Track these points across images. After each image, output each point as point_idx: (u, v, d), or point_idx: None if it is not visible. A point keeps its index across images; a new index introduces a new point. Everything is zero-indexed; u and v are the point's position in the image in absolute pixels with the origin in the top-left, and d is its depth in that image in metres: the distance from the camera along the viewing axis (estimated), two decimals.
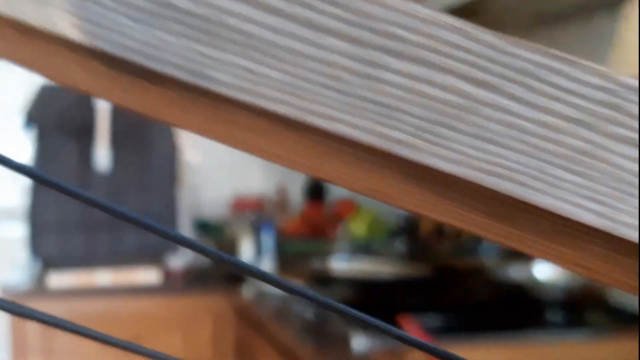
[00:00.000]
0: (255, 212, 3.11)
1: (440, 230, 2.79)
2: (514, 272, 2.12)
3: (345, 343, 1.79)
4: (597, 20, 2.07)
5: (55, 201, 2.80)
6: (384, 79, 0.31)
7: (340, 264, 2.47)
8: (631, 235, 0.31)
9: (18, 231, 3.24)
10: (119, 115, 2.85)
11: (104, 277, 2.80)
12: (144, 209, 2.82)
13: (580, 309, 1.82)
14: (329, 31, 0.30)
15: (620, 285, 0.33)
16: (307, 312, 2.11)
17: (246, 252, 2.96)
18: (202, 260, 3.05)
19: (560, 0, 1.96)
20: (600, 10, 2.03)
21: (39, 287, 2.80)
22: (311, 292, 0.34)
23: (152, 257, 2.85)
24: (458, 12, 1.99)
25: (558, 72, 0.31)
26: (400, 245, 2.87)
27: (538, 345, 1.61)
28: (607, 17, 2.03)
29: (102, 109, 2.84)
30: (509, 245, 0.33)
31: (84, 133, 2.84)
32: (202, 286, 2.83)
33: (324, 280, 2.27)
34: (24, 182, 3.21)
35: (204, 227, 3.20)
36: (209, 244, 3.10)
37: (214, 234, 3.17)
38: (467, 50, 0.31)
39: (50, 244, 2.80)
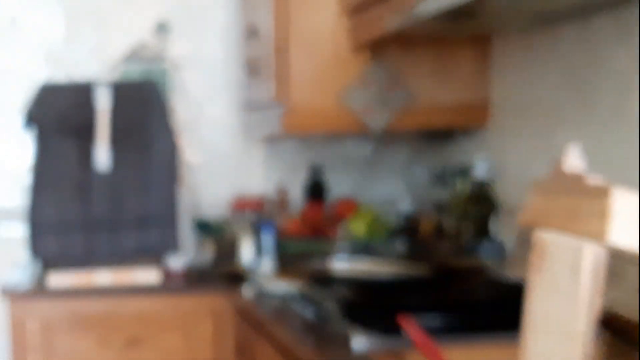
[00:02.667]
0: (255, 212, 3.12)
1: (440, 230, 2.80)
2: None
3: (344, 343, 1.80)
4: (597, 20, 2.08)
5: (55, 201, 2.81)
6: None
7: (340, 264, 2.48)
8: None
9: (18, 231, 3.25)
10: (119, 115, 2.86)
11: (104, 277, 2.81)
12: (144, 208, 2.83)
13: None
14: None
15: None
16: (307, 312, 2.12)
17: (246, 252, 2.97)
18: (202, 261, 3.06)
19: (559, 1, 1.97)
20: (599, 11, 2.05)
21: (39, 287, 2.80)
22: None
23: (151, 257, 2.86)
24: (456, 12, 2.00)
25: None
26: (400, 245, 2.88)
27: None
28: (606, 17, 2.04)
29: (102, 108, 2.85)
30: None
31: (84, 133, 2.85)
32: (202, 286, 2.84)
33: (324, 280, 2.28)
34: (24, 183, 3.23)
35: (204, 227, 3.21)
36: (209, 243, 3.11)
37: (214, 234, 3.18)
38: None
39: (50, 244, 2.81)
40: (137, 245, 2.83)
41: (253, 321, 2.51)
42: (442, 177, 2.94)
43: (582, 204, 0.60)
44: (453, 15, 2.05)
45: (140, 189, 2.85)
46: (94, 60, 3.31)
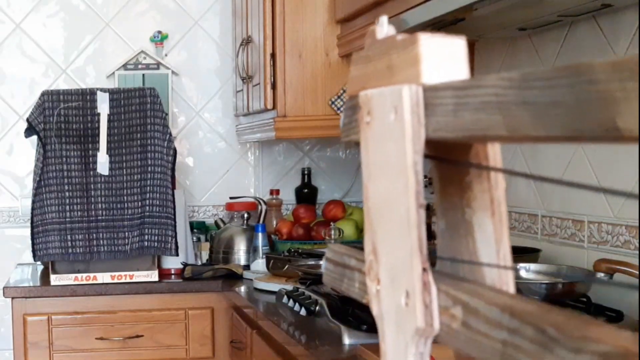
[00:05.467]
0: (249, 214, 3.13)
1: (428, 231, 2.84)
2: None
3: (335, 339, 1.84)
4: (577, 29, 2.11)
5: (57, 203, 2.83)
6: None
7: None
8: None
9: (20, 231, 3.27)
10: (118, 120, 2.88)
11: (103, 276, 2.84)
12: (142, 210, 2.86)
13: (563, 306, 1.85)
14: None
15: None
16: (299, 310, 2.14)
17: (241, 252, 3.00)
18: (198, 260, 3.08)
19: (543, 10, 1.99)
20: (579, 20, 2.08)
21: (41, 286, 2.84)
22: None
23: (150, 256, 2.90)
24: (442, 21, 2.03)
25: None
26: None
27: None
28: (586, 26, 2.08)
29: (103, 114, 2.87)
30: None
31: (85, 137, 2.87)
32: (198, 285, 2.87)
33: (315, 279, 2.31)
34: (27, 185, 3.26)
35: (200, 227, 3.22)
36: (205, 244, 3.13)
37: (210, 235, 3.19)
38: None
39: (52, 243, 2.84)
40: (136, 245, 2.85)
41: (248, 318, 2.55)
42: (429, 180, 2.95)
43: (396, 59, 0.64)
44: (439, 24, 2.08)
45: (138, 191, 2.87)
46: (94, 68, 3.33)
